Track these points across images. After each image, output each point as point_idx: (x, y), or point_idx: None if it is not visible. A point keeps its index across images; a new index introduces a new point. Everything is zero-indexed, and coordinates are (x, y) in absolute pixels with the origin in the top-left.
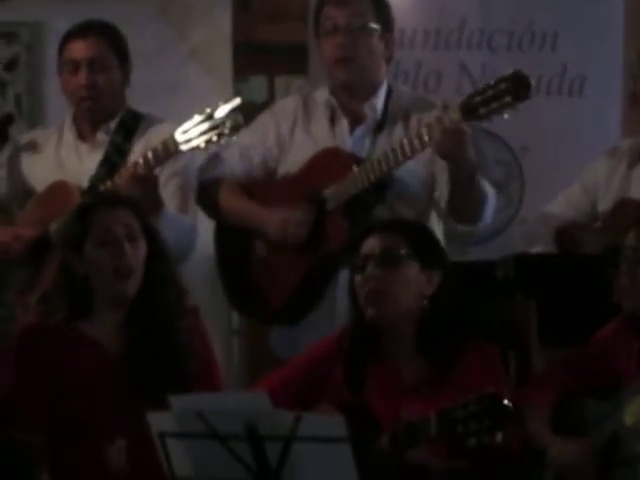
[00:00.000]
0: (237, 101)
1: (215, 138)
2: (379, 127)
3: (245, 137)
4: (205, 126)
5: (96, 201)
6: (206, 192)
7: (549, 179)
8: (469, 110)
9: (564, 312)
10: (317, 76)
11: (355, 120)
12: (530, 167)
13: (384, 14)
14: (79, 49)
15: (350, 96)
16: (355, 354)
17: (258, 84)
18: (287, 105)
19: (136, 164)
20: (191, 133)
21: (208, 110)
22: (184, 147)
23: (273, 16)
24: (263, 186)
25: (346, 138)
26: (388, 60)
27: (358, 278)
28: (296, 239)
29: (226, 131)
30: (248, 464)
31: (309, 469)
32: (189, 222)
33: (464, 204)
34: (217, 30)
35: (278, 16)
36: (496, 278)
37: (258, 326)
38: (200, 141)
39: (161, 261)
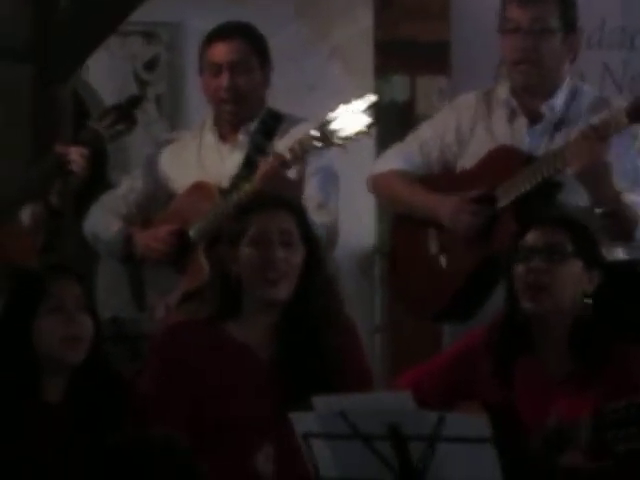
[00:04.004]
0: (372, 98)
1: (352, 135)
2: (557, 126)
3: (425, 131)
4: (341, 123)
5: (258, 202)
6: (383, 183)
7: None
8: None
9: None
10: (459, 75)
11: (534, 118)
12: None
13: (569, 14)
14: (221, 52)
15: (529, 95)
16: (505, 346)
17: (399, 83)
18: (468, 100)
19: (272, 163)
20: (328, 130)
21: (344, 107)
22: (320, 144)
23: (415, 14)
24: (438, 180)
25: (524, 136)
26: (572, 60)
27: (520, 269)
28: (468, 228)
29: (363, 128)
30: (391, 464)
31: (453, 469)
32: (327, 220)
33: (612, 226)
34: (358, 28)
35: (420, 14)
36: (638, 277)
37: (401, 323)
38: (337, 138)
39: (318, 267)
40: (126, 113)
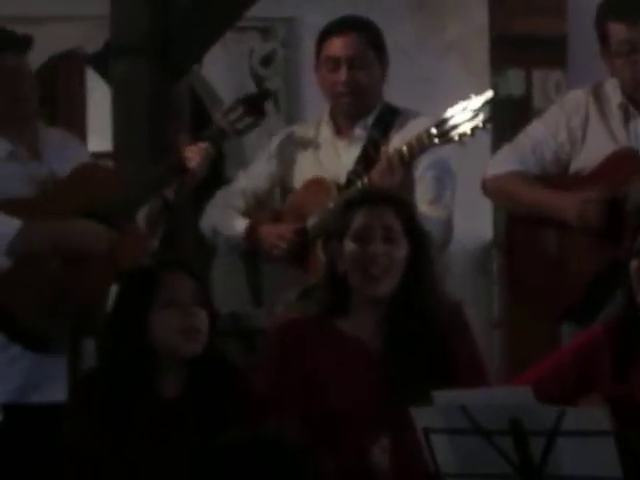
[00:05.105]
0: (490, 93)
1: (469, 131)
2: None
3: (537, 131)
4: (459, 119)
5: (361, 197)
6: (500, 184)
7: None
8: None
9: None
10: (576, 68)
11: None
12: None
13: None
14: (339, 46)
15: None
16: (624, 343)
17: (515, 77)
18: (577, 98)
19: (390, 158)
20: (445, 126)
21: (462, 103)
22: (438, 141)
23: (530, 9)
24: (557, 181)
25: (639, 136)
26: None
27: (635, 264)
28: (596, 221)
29: (480, 124)
30: (512, 459)
31: (573, 463)
32: (441, 214)
33: None
34: (473, 23)
35: (535, 9)
36: None
37: (519, 319)
38: (454, 134)
39: (423, 262)
40: (255, 106)
